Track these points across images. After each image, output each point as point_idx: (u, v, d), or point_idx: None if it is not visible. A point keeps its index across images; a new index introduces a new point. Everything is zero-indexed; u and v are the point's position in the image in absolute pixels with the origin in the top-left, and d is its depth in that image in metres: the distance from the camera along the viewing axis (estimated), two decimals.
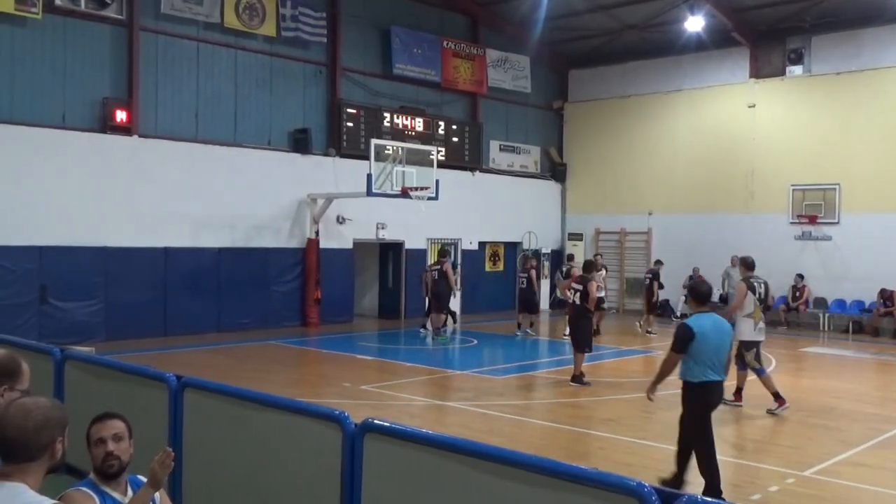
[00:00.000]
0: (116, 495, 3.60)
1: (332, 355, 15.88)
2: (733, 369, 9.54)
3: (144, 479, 3.77)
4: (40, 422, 2.72)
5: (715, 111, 23.38)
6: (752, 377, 11.05)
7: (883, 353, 17.40)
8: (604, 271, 19.24)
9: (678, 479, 7.20)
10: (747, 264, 11.36)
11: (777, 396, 10.73)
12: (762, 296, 10.96)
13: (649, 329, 19.60)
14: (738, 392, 11.11)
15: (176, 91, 17.62)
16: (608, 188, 25.55)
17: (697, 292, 7.48)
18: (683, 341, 7.04)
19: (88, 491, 3.55)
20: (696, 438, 7.20)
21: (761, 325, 10.92)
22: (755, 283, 10.95)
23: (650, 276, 20.04)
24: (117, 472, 3.61)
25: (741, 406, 11.05)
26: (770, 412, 10.68)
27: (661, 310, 21.70)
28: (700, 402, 7.14)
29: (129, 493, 3.66)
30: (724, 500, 6.86)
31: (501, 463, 3.87)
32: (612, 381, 13.23)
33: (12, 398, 3.16)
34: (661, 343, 17.88)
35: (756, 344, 10.83)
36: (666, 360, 7.33)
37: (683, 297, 22.88)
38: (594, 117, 25.83)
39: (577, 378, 12.63)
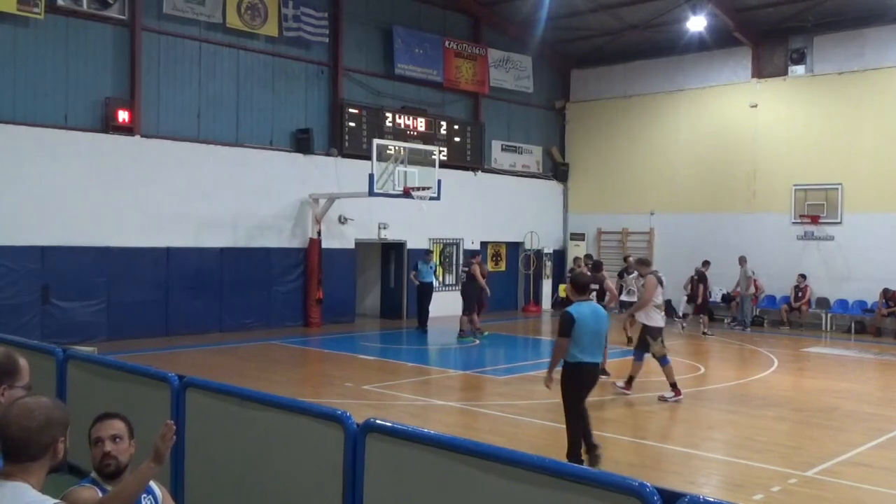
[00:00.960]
0: None
1: (333, 355, 15.88)
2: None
3: (154, 486, 3.77)
4: (42, 421, 2.73)
5: (717, 111, 23.36)
6: (757, 376, 11.05)
7: (885, 353, 17.38)
8: (635, 274, 18.37)
9: (589, 445, 7.97)
10: (646, 262, 12.63)
11: (674, 387, 11.43)
12: (664, 288, 12.14)
13: (705, 330, 19.44)
14: (630, 381, 11.78)
15: (178, 91, 17.63)
16: (610, 188, 25.54)
17: (577, 283, 8.25)
18: (568, 326, 7.72)
19: (88, 484, 3.56)
20: (567, 410, 7.97)
21: (663, 314, 12.05)
22: (660, 276, 12.04)
23: (696, 276, 19.82)
24: (114, 472, 3.61)
25: (629, 394, 11.65)
26: (662, 398, 11.43)
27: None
28: (573, 380, 7.88)
29: None
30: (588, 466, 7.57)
31: (503, 463, 3.87)
32: (612, 382, 13.20)
33: (13, 396, 3.16)
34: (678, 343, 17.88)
35: (661, 331, 11.70)
36: (556, 346, 8.00)
37: (685, 298, 22.91)
38: (596, 117, 25.82)
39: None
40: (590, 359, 7.82)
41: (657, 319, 11.63)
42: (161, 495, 3.84)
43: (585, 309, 7.88)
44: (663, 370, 11.56)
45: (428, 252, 20.50)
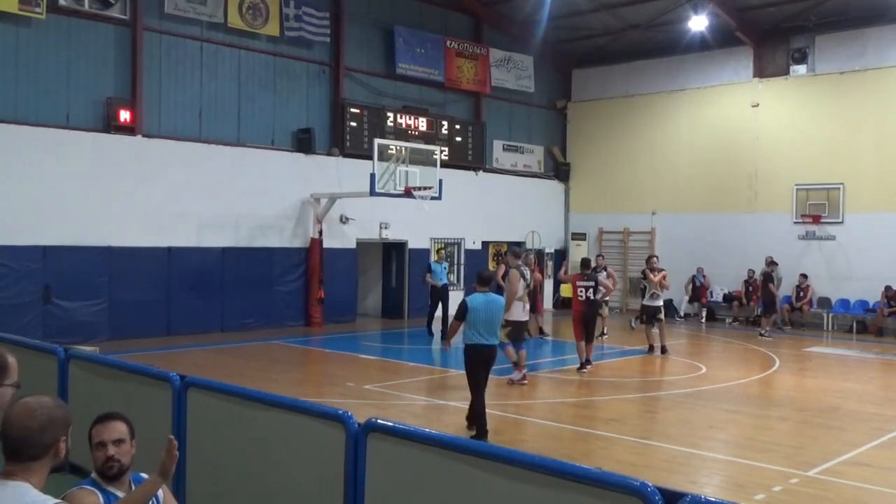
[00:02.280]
0: (120, 493, 3.61)
1: (335, 355, 15.88)
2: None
3: (147, 477, 3.77)
4: (44, 421, 2.73)
5: (718, 111, 23.34)
6: (759, 376, 11.02)
7: (887, 353, 17.35)
8: (658, 275, 17.31)
9: (478, 423, 9.07)
10: (515, 254, 13.20)
11: (517, 365, 12.33)
12: (529, 282, 12.81)
13: (762, 332, 18.95)
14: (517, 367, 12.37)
15: (179, 91, 17.64)
16: (611, 188, 25.53)
17: (480, 277, 9.70)
18: (462, 312, 9.18)
19: (92, 488, 3.56)
20: (468, 383, 9.28)
21: (526, 307, 12.69)
22: (523, 271, 12.67)
23: (762, 276, 19.43)
24: (117, 474, 3.61)
25: (525, 384, 12.28)
26: (511, 381, 12.27)
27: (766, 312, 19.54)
28: (469, 358, 9.21)
29: (133, 489, 3.67)
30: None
31: (504, 463, 3.87)
32: (615, 381, 13.23)
33: (2, 394, 3.16)
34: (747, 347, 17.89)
35: (521, 323, 12.43)
36: (451, 325, 9.68)
37: (687, 297, 22.92)
38: (597, 117, 25.80)
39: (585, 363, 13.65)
40: (482, 341, 9.13)
41: (517, 314, 12.29)
42: (163, 495, 3.84)
43: (480, 298, 9.21)
44: (505, 352, 11.97)
45: (439, 250, 19.66)
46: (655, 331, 16.01)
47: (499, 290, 17.50)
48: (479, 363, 9.16)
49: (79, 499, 3.47)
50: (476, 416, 9.08)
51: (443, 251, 19.71)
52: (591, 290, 13.62)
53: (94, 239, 16.03)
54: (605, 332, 17.70)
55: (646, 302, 16.18)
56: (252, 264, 18.53)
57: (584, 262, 14.54)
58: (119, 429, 3.65)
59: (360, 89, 21.09)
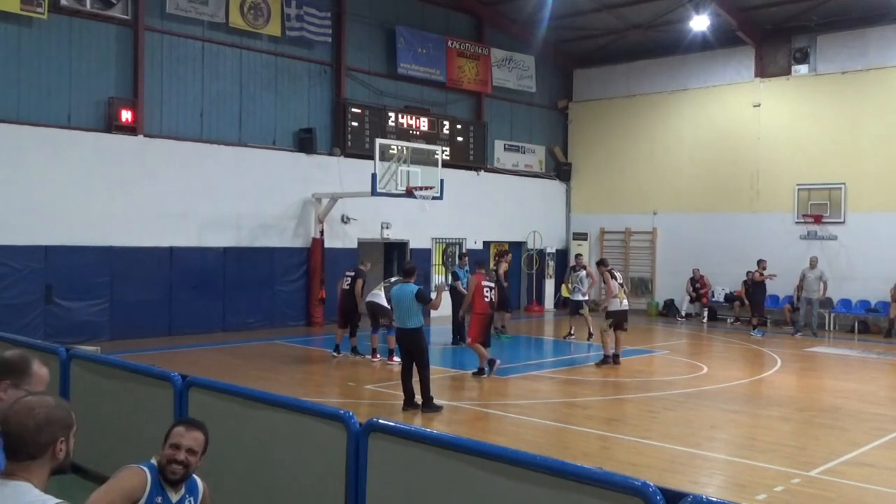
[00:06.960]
0: (170, 493, 3.67)
1: None
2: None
3: (198, 481, 3.85)
4: (41, 420, 2.71)
5: (720, 110, 23.33)
6: (761, 376, 10.97)
7: (888, 353, 17.33)
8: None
9: (410, 395, 10.47)
10: None
11: (349, 349, 14.74)
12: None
13: None
14: (374, 352, 14.60)
15: (181, 91, 17.65)
16: (613, 188, 25.52)
17: (404, 270, 11.20)
18: (390, 301, 11.57)
19: (145, 469, 3.63)
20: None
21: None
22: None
23: None
24: (179, 480, 3.70)
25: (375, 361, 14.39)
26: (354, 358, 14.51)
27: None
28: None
29: (182, 491, 3.76)
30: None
31: (505, 462, 3.87)
32: (615, 381, 13.23)
33: (16, 395, 3.16)
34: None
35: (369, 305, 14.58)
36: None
37: (688, 297, 22.91)
38: (599, 117, 25.80)
39: (483, 370, 13.15)
40: (401, 325, 10.66)
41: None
42: (202, 488, 3.89)
43: (398, 289, 10.78)
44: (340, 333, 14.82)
45: (462, 256, 18.88)
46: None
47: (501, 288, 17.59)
48: (400, 343, 10.80)
49: (126, 471, 3.51)
50: (403, 390, 10.47)
51: (466, 257, 18.48)
52: (493, 292, 13.45)
53: (95, 239, 16.05)
54: (572, 331, 18.05)
55: (615, 307, 14.30)
56: (253, 264, 18.54)
57: (479, 262, 14.74)
58: (198, 438, 3.75)
59: (361, 89, 21.09)
